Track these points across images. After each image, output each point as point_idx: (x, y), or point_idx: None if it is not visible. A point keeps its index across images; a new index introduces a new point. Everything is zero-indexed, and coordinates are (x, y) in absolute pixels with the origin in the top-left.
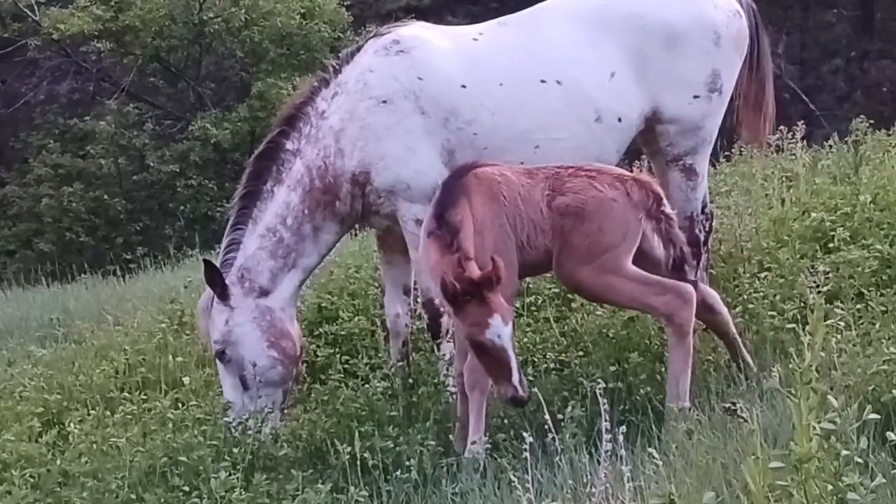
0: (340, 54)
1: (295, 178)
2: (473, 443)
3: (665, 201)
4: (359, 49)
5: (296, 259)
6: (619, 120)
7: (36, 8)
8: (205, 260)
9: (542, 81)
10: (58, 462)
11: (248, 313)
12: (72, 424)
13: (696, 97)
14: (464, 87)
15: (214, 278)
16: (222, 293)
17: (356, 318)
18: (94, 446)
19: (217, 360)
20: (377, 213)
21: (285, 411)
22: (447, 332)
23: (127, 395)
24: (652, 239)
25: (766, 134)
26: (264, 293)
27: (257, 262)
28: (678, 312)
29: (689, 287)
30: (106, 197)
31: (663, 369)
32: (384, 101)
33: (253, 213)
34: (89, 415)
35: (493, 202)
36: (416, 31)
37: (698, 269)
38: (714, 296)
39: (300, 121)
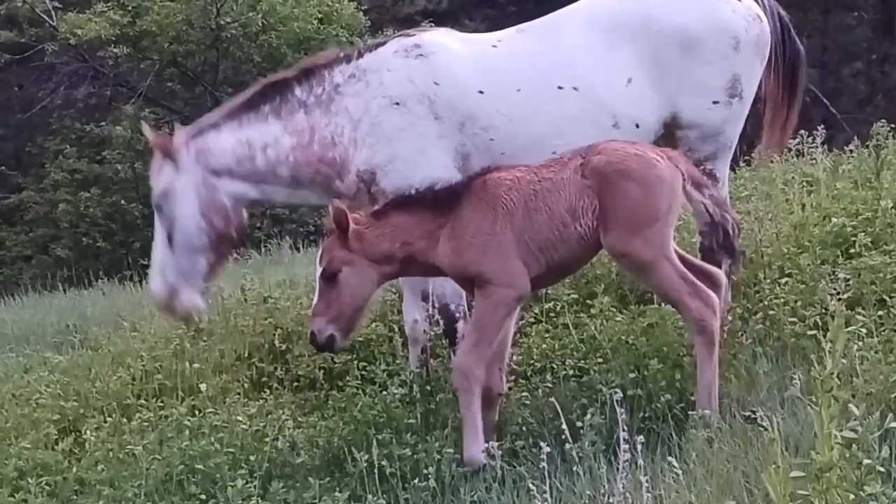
0: (365, 43)
1: (294, 126)
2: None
3: (697, 172)
4: (383, 43)
5: (258, 183)
6: (637, 126)
7: (53, 13)
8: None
9: (559, 87)
10: (74, 470)
11: (193, 178)
12: (88, 432)
13: (715, 102)
14: (481, 92)
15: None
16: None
17: (373, 324)
18: (111, 454)
19: (154, 212)
20: None
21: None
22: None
23: (143, 402)
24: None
25: (785, 142)
26: (216, 174)
27: (222, 155)
28: (709, 321)
29: (714, 296)
30: (123, 202)
31: (683, 377)
32: (397, 103)
33: (242, 116)
34: (106, 422)
35: (490, 210)
36: (437, 37)
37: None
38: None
39: (315, 78)
